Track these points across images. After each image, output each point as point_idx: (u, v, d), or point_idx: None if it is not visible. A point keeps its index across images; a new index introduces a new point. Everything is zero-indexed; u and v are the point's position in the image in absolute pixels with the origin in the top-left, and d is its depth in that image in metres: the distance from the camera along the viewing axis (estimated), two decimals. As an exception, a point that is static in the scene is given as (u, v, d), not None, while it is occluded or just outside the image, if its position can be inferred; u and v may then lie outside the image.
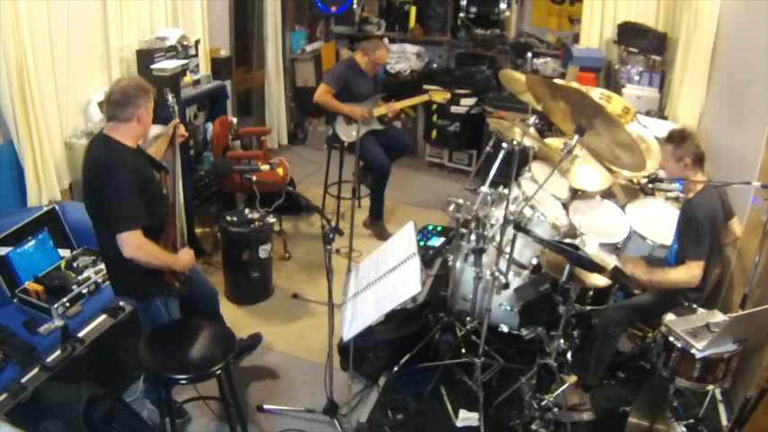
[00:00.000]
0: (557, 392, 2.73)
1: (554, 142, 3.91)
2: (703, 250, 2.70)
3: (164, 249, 2.49)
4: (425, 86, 4.68)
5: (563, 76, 5.02)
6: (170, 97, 2.92)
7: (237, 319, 3.64)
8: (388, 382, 3.13)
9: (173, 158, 2.81)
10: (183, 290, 2.65)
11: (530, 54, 5.34)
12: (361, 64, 4.35)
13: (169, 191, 2.64)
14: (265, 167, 3.05)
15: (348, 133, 4.39)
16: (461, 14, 5.61)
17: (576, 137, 2.59)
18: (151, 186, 2.47)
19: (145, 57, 3.82)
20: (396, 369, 3.14)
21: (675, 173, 2.81)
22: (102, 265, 3.10)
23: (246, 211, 3.81)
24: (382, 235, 4.55)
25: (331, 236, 2.51)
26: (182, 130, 2.82)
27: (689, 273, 2.71)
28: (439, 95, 4.60)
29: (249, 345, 3.29)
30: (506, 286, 2.98)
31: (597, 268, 2.62)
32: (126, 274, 2.51)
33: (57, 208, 3.28)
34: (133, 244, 2.33)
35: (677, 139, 2.76)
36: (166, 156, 2.83)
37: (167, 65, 3.77)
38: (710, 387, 2.62)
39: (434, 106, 5.57)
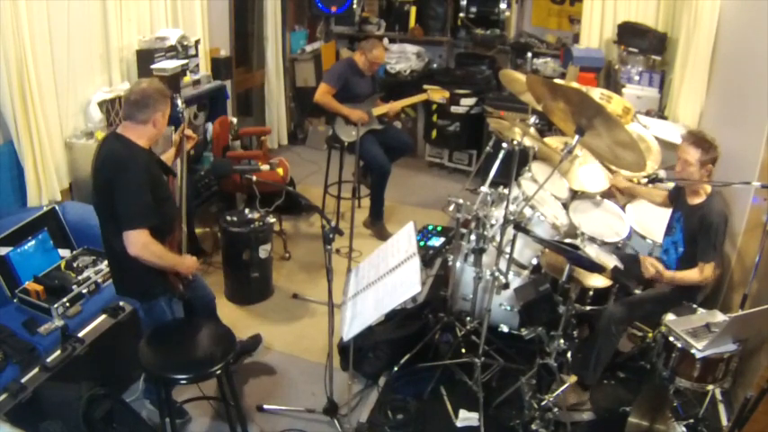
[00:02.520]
0: (557, 392, 2.73)
1: (554, 142, 3.91)
2: (717, 253, 2.79)
3: (169, 251, 2.50)
4: (425, 86, 4.68)
5: (563, 76, 5.02)
6: (179, 101, 2.94)
7: (237, 319, 3.64)
8: (388, 382, 3.13)
9: (179, 164, 2.83)
10: (185, 293, 2.66)
11: (530, 54, 5.34)
12: (359, 64, 4.36)
13: (175, 195, 2.66)
14: (265, 167, 3.05)
15: (348, 133, 4.39)
16: (461, 14, 5.60)
17: (576, 137, 2.59)
18: (160, 189, 2.48)
19: (145, 57, 3.82)
20: (396, 369, 3.14)
21: (694, 176, 2.79)
22: (103, 265, 3.11)
23: (246, 211, 3.81)
24: (382, 235, 4.55)
25: (331, 236, 2.51)
26: (189, 132, 2.84)
27: (702, 275, 2.79)
28: (437, 94, 4.61)
29: (249, 347, 3.29)
30: (506, 286, 2.98)
31: (597, 268, 2.63)
32: (130, 273, 2.51)
33: (57, 208, 3.28)
34: (139, 242, 2.34)
35: (705, 145, 2.75)
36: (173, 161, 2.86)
37: (167, 65, 3.78)
38: (710, 387, 2.63)
39: (434, 106, 5.58)
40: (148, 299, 2.59)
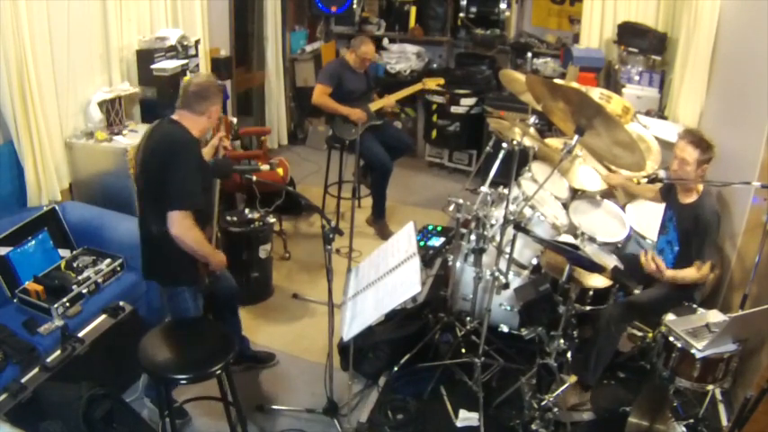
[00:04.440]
0: (557, 392, 2.73)
1: (554, 142, 3.91)
2: (713, 251, 2.80)
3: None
4: (424, 79, 4.70)
5: (563, 76, 5.02)
6: (228, 104, 3.02)
7: (237, 319, 3.64)
8: (388, 382, 3.13)
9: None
10: (209, 287, 2.73)
11: (530, 54, 5.34)
12: (350, 62, 4.40)
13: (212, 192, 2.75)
14: (265, 167, 3.05)
15: (348, 132, 4.40)
16: (461, 14, 5.60)
17: (576, 137, 2.59)
18: (206, 178, 2.60)
19: (145, 57, 3.82)
20: (396, 369, 3.14)
21: (690, 175, 2.80)
22: (103, 265, 3.11)
23: (246, 211, 3.81)
24: (384, 233, 4.57)
25: (331, 236, 2.51)
26: (226, 142, 2.97)
27: (700, 273, 2.78)
28: (433, 82, 4.65)
29: (262, 358, 3.30)
30: (506, 286, 2.98)
31: (597, 268, 2.63)
32: (163, 257, 2.58)
33: (57, 208, 3.28)
34: (184, 224, 2.42)
35: (704, 145, 2.75)
36: None
37: (167, 65, 3.78)
38: (710, 387, 2.62)
39: (434, 106, 5.59)
40: (174, 285, 2.65)
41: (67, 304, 2.88)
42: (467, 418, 2.92)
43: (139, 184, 2.60)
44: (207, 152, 2.91)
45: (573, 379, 2.79)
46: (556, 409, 2.72)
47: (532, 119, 3.59)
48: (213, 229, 2.75)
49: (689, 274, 2.80)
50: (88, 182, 3.59)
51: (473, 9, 5.54)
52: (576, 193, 3.62)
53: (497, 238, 3.04)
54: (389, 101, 4.51)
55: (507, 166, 3.04)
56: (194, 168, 2.46)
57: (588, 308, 3.17)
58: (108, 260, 3.15)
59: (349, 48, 4.49)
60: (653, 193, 3.20)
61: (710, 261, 2.78)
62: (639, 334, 3.22)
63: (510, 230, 2.90)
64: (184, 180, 2.42)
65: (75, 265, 3.12)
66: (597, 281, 2.94)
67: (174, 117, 2.56)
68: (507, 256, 3.02)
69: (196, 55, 4.19)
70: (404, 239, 2.63)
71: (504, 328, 3.21)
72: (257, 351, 3.30)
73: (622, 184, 3.37)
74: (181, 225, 2.42)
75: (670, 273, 2.84)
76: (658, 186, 3.14)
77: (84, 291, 2.98)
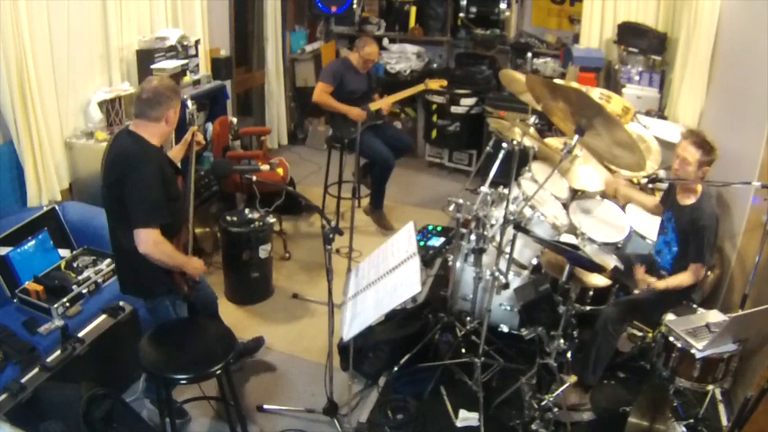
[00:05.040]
0: (557, 392, 2.73)
1: (554, 142, 3.91)
2: (710, 253, 2.78)
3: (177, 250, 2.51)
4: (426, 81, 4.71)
5: (563, 76, 5.02)
6: (189, 103, 2.93)
7: (237, 319, 3.64)
8: (388, 382, 3.13)
9: (188, 165, 2.82)
10: (190, 294, 2.66)
11: (530, 54, 5.34)
12: (353, 62, 4.41)
13: (183, 195, 2.66)
14: (265, 167, 3.05)
15: (348, 130, 4.40)
16: (461, 14, 5.60)
17: (576, 137, 2.59)
18: (171, 188, 2.48)
19: (145, 57, 3.82)
20: (396, 369, 3.14)
21: (690, 176, 2.79)
22: (103, 265, 3.11)
23: (246, 211, 3.81)
24: (382, 223, 4.59)
25: (331, 236, 2.51)
26: (199, 137, 2.84)
27: (696, 275, 2.78)
28: (435, 83, 4.64)
29: (251, 348, 3.29)
30: (506, 286, 2.98)
31: (597, 268, 2.63)
32: (136, 271, 2.52)
33: (57, 208, 3.28)
34: (150, 240, 2.35)
35: (707, 146, 2.74)
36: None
37: (167, 65, 3.78)
38: (710, 387, 2.63)
39: (434, 106, 5.58)
40: (153, 297, 2.59)
41: (67, 304, 2.88)
42: (467, 418, 2.92)
43: (103, 199, 2.52)
44: (178, 149, 2.82)
45: (573, 379, 2.79)
46: (556, 409, 2.72)
47: (532, 119, 3.59)
48: (189, 234, 2.64)
49: (683, 279, 2.79)
50: (88, 182, 3.59)
51: (473, 9, 5.54)
52: (576, 193, 3.62)
53: (497, 238, 3.04)
54: (387, 102, 4.50)
55: (507, 166, 3.04)
56: (154, 181, 2.35)
57: (588, 308, 3.17)
58: (108, 260, 3.15)
59: (352, 48, 4.49)
60: (653, 205, 3.17)
61: (707, 264, 2.77)
62: (639, 334, 3.22)
63: (510, 230, 2.90)
64: (145, 196, 2.33)
65: (75, 265, 3.13)
66: (597, 279, 2.94)
67: (131, 127, 2.46)
68: (507, 256, 3.02)
69: (196, 55, 4.19)
70: (404, 239, 2.63)
71: (504, 328, 3.21)
72: (246, 342, 3.27)
73: (625, 195, 3.34)
74: (147, 242, 2.34)
75: (662, 284, 2.83)
76: (657, 199, 3.14)
77: (84, 291, 2.98)
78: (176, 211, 2.52)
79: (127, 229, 2.36)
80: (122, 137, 2.48)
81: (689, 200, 2.85)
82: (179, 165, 2.75)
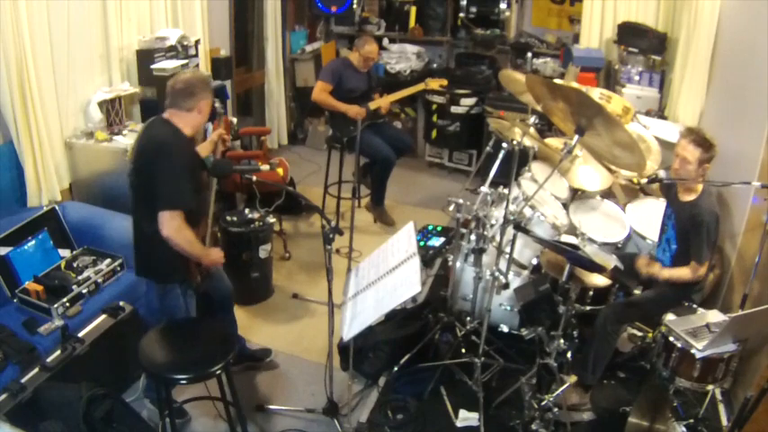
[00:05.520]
0: (557, 392, 2.73)
1: (554, 142, 3.91)
2: (710, 251, 2.77)
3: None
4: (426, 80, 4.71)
5: (563, 76, 5.01)
6: (217, 102, 3.00)
7: (238, 319, 3.59)
8: (388, 382, 3.13)
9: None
10: (201, 286, 2.72)
11: (530, 54, 5.35)
12: (354, 61, 4.42)
13: (207, 188, 2.73)
14: (265, 167, 3.05)
15: (348, 128, 4.40)
16: (461, 14, 5.60)
17: (576, 137, 2.59)
18: (196, 179, 2.57)
19: (145, 57, 3.82)
20: (396, 369, 3.14)
21: (690, 175, 2.79)
22: (103, 265, 3.11)
23: (246, 211, 3.81)
24: (383, 219, 4.60)
25: (331, 236, 2.51)
26: (226, 138, 2.96)
27: (696, 273, 2.78)
28: (435, 83, 4.64)
29: (257, 356, 3.29)
30: (506, 286, 2.98)
31: (597, 268, 2.63)
32: (154, 255, 2.58)
33: (57, 208, 3.28)
34: (174, 224, 2.41)
35: (707, 144, 2.74)
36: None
37: (167, 65, 3.78)
38: (710, 387, 2.63)
39: (434, 106, 5.58)
40: (165, 282, 2.65)
41: (67, 304, 2.88)
42: (467, 418, 2.92)
43: (132, 182, 2.59)
44: (205, 147, 2.90)
45: (573, 379, 2.79)
46: (556, 409, 2.72)
47: (532, 119, 3.58)
48: (207, 228, 2.72)
49: (684, 273, 2.80)
50: (88, 182, 3.59)
51: (473, 9, 5.54)
52: (576, 193, 3.62)
53: (497, 238, 3.04)
54: (386, 101, 4.51)
55: (507, 166, 3.04)
56: (184, 168, 2.45)
57: (588, 308, 3.17)
58: (108, 260, 3.15)
59: (352, 47, 4.50)
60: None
61: (707, 262, 2.77)
62: (639, 334, 3.22)
63: (510, 230, 2.90)
64: (173, 180, 2.41)
65: (75, 265, 3.12)
66: (597, 280, 2.94)
67: (165, 116, 2.55)
68: (507, 256, 3.02)
69: (196, 55, 4.19)
70: (404, 239, 2.63)
71: (504, 328, 3.21)
72: (254, 350, 3.30)
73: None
74: (170, 226, 2.41)
75: (666, 273, 2.84)
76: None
77: (84, 291, 2.98)
78: (199, 202, 2.60)
79: (151, 213, 2.42)
80: (156, 124, 2.56)
81: (689, 196, 2.85)
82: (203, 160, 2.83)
